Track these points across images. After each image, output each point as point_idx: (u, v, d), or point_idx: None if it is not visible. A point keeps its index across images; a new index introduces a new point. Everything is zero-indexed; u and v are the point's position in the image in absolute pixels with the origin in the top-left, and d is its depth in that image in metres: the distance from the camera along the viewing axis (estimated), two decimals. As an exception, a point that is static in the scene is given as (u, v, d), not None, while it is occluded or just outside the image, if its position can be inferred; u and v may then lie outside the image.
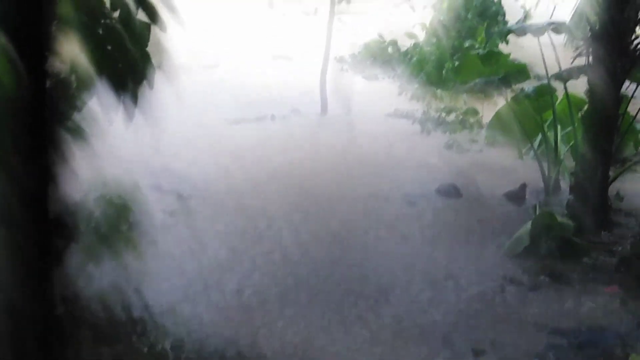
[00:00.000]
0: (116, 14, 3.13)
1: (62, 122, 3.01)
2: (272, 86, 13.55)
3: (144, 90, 3.29)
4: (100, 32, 3.08)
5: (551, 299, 6.09)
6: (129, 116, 3.24)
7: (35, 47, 2.78)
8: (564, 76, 8.33)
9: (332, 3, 12.11)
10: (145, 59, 3.23)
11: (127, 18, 3.11)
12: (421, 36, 16.19)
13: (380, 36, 16.10)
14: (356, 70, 15.69)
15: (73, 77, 3.02)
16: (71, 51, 2.94)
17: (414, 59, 14.90)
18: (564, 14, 16.82)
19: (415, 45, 15.78)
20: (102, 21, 3.09)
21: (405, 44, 16.10)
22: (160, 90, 3.41)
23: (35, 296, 2.91)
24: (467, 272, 6.46)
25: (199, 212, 7.54)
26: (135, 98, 3.24)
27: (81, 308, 3.40)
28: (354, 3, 12.48)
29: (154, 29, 3.27)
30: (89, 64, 3.03)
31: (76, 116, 3.16)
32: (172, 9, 3.22)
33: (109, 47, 3.10)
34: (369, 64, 15.92)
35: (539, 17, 15.17)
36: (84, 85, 3.09)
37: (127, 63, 3.15)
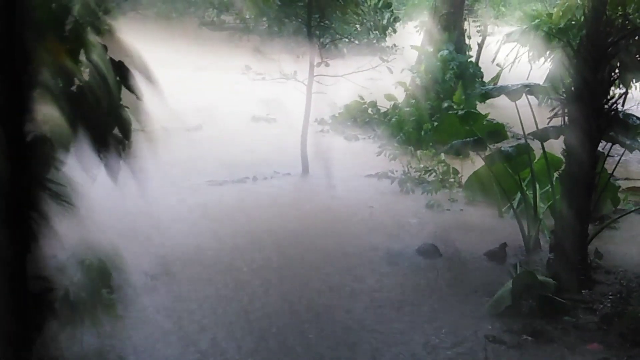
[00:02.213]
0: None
1: (41, 184, 3.02)
2: (254, 148, 13.67)
3: (125, 152, 3.32)
4: (74, 91, 3.11)
5: (533, 358, 6.09)
6: (113, 176, 3.26)
7: (13, 110, 2.82)
8: (541, 136, 8.46)
9: (311, 66, 12.28)
10: (123, 118, 3.27)
11: (102, 80, 3.14)
12: (400, 97, 16.44)
13: (360, 97, 16.32)
14: (337, 131, 15.85)
15: (51, 138, 3.04)
16: (47, 112, 2.97)
17: (394, 119, 15.10)
18: (540, 72, 17.24)
19: (395, 106, 16.01)
20: (77, 82, 3.13)
21: (385, 105, 16.32)
22: (142, 152, 3.44)
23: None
24: (448, 332, 6.45)
25: (181, 275, 7.51)
26: (118, 155, 3.26)
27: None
28: (333, 66, 12.66)
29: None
30: (66, 124, 3.05)
31: (56, 177, 3.18)
32: (149, 77, 3.27)
33: (84, 108, 3.13)
34: (349, 125, 16.11)
35: (515, 77, 15.46)
36: (63, 145, 3.11)
37: (104, 122, 3.18)
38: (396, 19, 14.41)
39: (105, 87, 3.14)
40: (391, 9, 14.15)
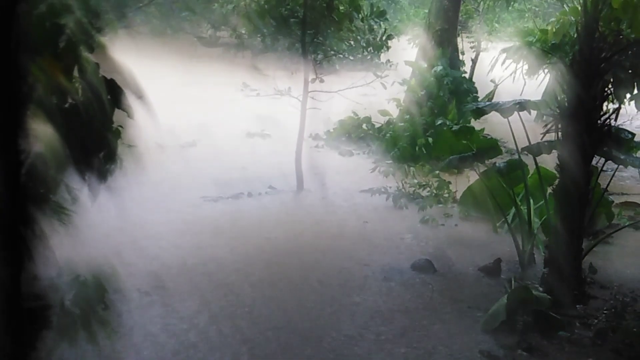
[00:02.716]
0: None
1: (37, 202, 3.03)
2: (249, 164, 13.69)
3: (114, 169, 3.33)
4: (67, 108, 3.11)
5: (529, 374, 6.10)
6: (94, 194, 3.27)
7: (7, 128, 2.82)
8: (534, 151, 8.49)
9: (306, 82, 12.32)
10: (112, 137, 3.28)
11: (90, 95, 3.15)
12: (395, 112, 16.49)
13: (355, 113, 16.37)
14: (331, 146, 15.90)
15: (47, 156, 3.05)
16: (42, 130, 2.98)
17: (388, 135, 15.14)
18: (539, 88, 17.31)
19: (389, 121, 16.07)
20: (70, 100, 3.14)
21: (379, 120, 16.37)
22: (132, 169, 3.45)
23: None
24: (443, 348, 6.44)
25: (174, 291, 7.49)
26: (100, 176, 3.27)
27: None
28: (327, 82, 12.71)
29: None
30: (60, 142, 3.06)
31: (52, 196, 3.18)
32: (140, 95, 3.29)
33: (75, 125, 3.14)
34: (343, 140, 16.16)
35: (510, 94, 15.51)
36: (58, 163, 3.12)
37: (93, 141, 3.19)
38: (390, 37, 14.46)
39: (97, 106, 3.15)
40: (385, 17, 14.19)
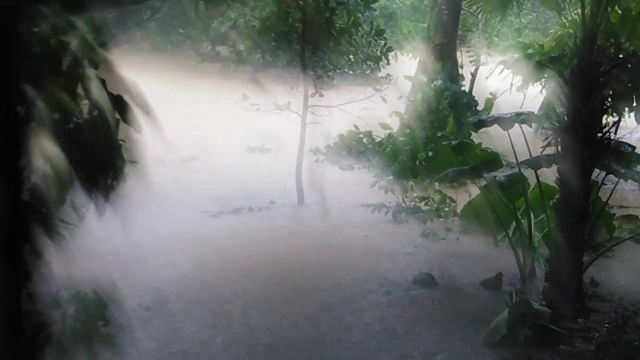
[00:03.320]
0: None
1: (39, 220, 3.03)
2: (249, 178, 13.71)
3: (117, 186, 3.33)
4: (71, 127, 3.12)
5: (530, 388, 6.08)
6: (100, 212, 3.27)
7: (9, 146, 2.83)
8: (534, 164, 8.49)
9: (305, 97, 12.35)
10: (117, 154, 3.28)
11: (96, 114, 3.16)
12: (395, 126, 16.52)
13: (355, 127, 16.39)
14: (332, 161, 15.91)
15: (50, 174, 3.06)
16: (46, 148, 2.99)
17: (388, 149, 15.16)
18: (535, 102, 17.34)
19: (390, 135, 16.09)
20: (75, 119, 3.14)
21: (379, 134, 16.39)
22: (136, 185, 3.45)
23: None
24: (445, 362, 6.45)
25: (176, 307, 7.49)
26: (106, 193, 3.27)
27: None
28: (327, 96, 12.74)
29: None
30: (63, 160, 3.07)
31: (54, 213, 3.19)
32: (148, 111, 3.29)
33: (79, 143, 3.15)
34: (344, 154, 16.17)
35: (509, 106, 15.54)
36: (62, 181, 3.12)
37: (98, 159, 3.19)
38: (389, 49, 14.49)
39: (103, 124, 3.16)
40: (384, 35, 14.24)
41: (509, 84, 18.48)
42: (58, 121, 3.04)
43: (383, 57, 14.24)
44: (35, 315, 3.01)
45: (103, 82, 3.15)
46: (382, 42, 14.15)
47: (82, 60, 3.07)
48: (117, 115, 3.22)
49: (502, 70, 18.14)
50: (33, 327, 3.03)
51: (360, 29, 13.44)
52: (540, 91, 18.18)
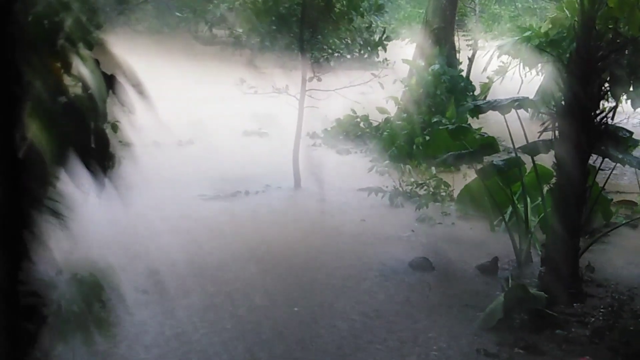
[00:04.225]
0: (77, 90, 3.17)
1: (35, 200, 3.02)
2: (246, 162, 13.69)
3: (113, 168, 3.32)
4: (65, 106, 3.10)
5: (526, 372, 6.10)
6: (98, 192, 3.26)
7: (4, 125, 2.82)
8: (531, 149, 8.49)
9: (303, 80, 12.32)
10: (112, 134, 3.27)
11: (89, 95, 3.14)
12: (392, 110, 16.49)
13: (352, 111, 16.36)
14: (329, 145, 15.89)
15: (44, 154, 3.04)
16: (40, 127, 2.98)
17: (386, 133, 15.13)
18: (531, 86, 17.32)
19: (387, 120, 16.06)
20: (67, 98, 3.12)
21: (377, 118, 16.36)
22: (131, 167, 3.44)
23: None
24: (440, 346, 6.45)
25: (171, 289, 7.49)
26: (103, 174, 3.26)
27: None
28: (325, 80, 12.70)
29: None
30: (59, 139, 3.06)
31: (49, 194, 3.18)
32: (142, 91, 3.28)
33: (71, 124, 3.13)
34: (341, 139, 16.15)
35: (506, 91, 15.51)
36: (56, 161, 3.11)
37: (91, 140, 3.18)
38: (388, 38, 14.46)
39: (95, 105, 3.15)
40: (383, 11, 14.19)
41: (507, 68, 18.46)
42: (52, 101, 3.03)
43: (381, 43, 14.20)
44: (32, 297, 3.01)
45: (97, 62, 3.14)
46: (382, 29, 14.12)
47: (76, 41, 3.05)
48: (112, 96, 3.21)
49: (499, 56, 18.10)
50: (30, 309, 3.02)
51: (359, 11, 13.38)
52: (535, 73, 18.12)
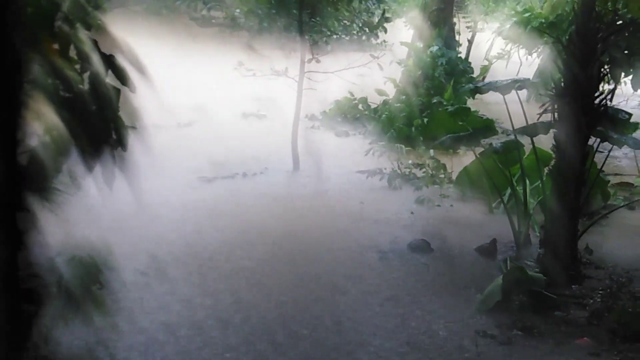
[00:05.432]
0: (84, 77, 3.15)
1: (36, 185, 3.02)
2: (244, 144, 13.67)
3: (119, 153, 3.31)
4: (69, 95, 3.08)
5: (524, 353, 6.10)
6: (109, 180, 3.25)
7: (4, 111, 2.81)
8: (530, 131, 8.48)
9: (302, 62, 12.28)
10: (117, 121, 3.26)
11: (95, 82, 3.13)
12: (391, 92, 16.46)
13: (351, 93, 16.33)
14: (327, 127, 15.88)
15: (49, 142, 3.03)
16: (42, 116, 2.96)
17: (384, 115, 15.12)
18: (529, 69, 17.29)
19: (385, 102, 16.04)
20: (71, 86, 3.11)
21: (375, 100, 16.34)
22: (134, 150, 3.44)
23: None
24: (439, 328, 6.46)
25: (171, 271, 7.49)
26: (112, 161, 3.26)
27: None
28: (324, 62, 12.67)
29: (126, 90, 3.31)
30: (63, 127, 3.04)
31: (51, 179, 3.17)
32: (142, 70, 3.27)
33: (78, 111, 3.12)
34: (339, 121, 16.13)
35: (504, 74, 15.47)
36: (61, 149, 3.10)
37: (99, 126, 3.17)
38: (387, 19, 14.42)
39: (102, 90, 3.13)
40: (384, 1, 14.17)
41: (506, 50, 18.42)
42: (51, 83, 3.02)
43: (380, 25, 14.17)
44: (31, 277, 3.01)
45: (95, 42, 3.12)
46: (381, 10, 14.07)
47: (75, 21, 3.03)
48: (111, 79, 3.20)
49: (496, 37, 18.08)
50: (29, 289, 3.02)
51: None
52: (535, 56, 18.09)
